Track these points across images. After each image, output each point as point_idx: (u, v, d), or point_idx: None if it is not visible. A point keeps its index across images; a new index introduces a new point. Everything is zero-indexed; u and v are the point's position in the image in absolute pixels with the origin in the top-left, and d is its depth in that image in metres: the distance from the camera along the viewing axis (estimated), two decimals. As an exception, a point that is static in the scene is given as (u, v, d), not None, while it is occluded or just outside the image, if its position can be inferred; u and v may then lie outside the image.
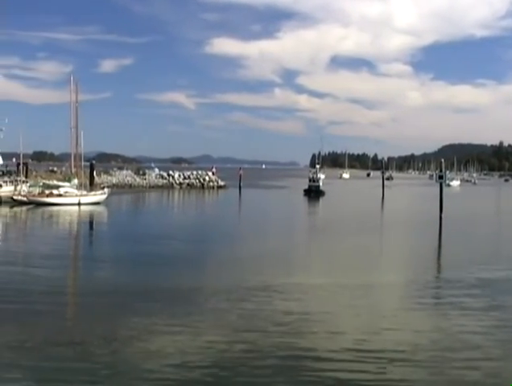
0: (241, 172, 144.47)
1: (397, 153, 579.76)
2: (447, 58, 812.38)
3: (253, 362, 19.57)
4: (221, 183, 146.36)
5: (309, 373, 18.66)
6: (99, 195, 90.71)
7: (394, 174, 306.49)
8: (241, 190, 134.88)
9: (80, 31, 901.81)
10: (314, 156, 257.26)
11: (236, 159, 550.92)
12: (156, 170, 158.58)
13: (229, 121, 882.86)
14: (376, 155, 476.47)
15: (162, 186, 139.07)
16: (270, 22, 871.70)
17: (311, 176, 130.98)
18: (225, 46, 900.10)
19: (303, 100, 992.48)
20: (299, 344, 21.51)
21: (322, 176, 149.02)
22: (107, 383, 17.75)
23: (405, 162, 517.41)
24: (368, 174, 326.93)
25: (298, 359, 19.95)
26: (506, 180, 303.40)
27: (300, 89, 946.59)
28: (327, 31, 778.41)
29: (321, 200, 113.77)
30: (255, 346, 21.20)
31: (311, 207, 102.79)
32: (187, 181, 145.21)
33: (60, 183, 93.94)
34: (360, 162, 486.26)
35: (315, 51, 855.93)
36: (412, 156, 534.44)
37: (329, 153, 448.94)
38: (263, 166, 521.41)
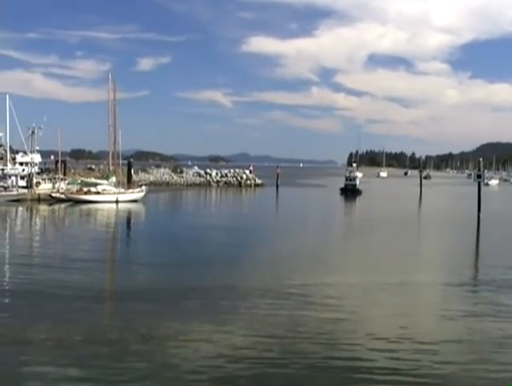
0: (278, 170, 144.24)
1: (435, 151, 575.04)
2: (485, 56, 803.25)
3: (288, 361, 19.54)
4: (259, 182, 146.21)
5: (345, 374, 18.61)
6: (137, 193, 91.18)
7: (432, 172, 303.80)
8: (279, 188, 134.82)
9: (118, 30, 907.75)
10: (351, 154, 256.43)
11: (273, 158, 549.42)
12: (195, 167, 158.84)
13: (267, 120, 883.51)
14: (414, 154, 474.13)
15: (199, 185, 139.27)
16: (308, 20, 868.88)
17: (347, 175, 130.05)
18: (262, 44, 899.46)
19: (340, 99, 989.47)
20: (335, 345, 21.48)
21: (359, 175, 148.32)
22: (144, 381, 17.87)
23: (443, 161, 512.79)
24: (405, 173, 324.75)
25: (333, 359, 19.89)
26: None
27: (338, 88, 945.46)
28: (364, 29, 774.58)
29: (358, 199, 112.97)
30: (291, 345, 21.16)
31: (347, 206, 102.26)
32: (224, 179, 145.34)
33: (98, 181, 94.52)
34: (397, 160, 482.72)
35: (353, 49, 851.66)
36: (450, 155, 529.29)
37: (367, 152, 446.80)
38: (301, 165, 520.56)
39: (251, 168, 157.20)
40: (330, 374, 18.58)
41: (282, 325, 23.72)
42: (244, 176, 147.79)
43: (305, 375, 18.47)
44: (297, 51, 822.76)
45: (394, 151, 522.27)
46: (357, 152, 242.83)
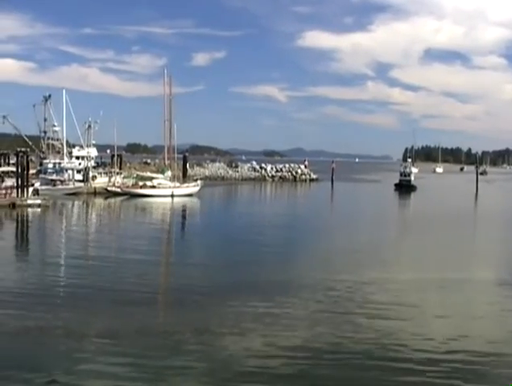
0: (333, 165, 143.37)
1: (491, 147, 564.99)
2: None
3: (341, 361, 19.36)
4: (314, 176, 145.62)
5: (399, 375, 18.38)
6: (192, 187, 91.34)
7: (488, 168, 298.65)
8: (334, 183, 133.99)
9: (173, 25, 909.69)
10: (407, 150, 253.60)
11: (328, 152, 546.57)
12: (254, 162, 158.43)
13: (322, 114, 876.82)
14: (470, 149, 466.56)
15: (254, 179, 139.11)
16: (363, 14, 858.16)
17: (402, 170, 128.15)
18: (317, 39, 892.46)
19: (396, 94, 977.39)
20: (388, 341, 21.28)
21: (415, 170, 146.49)
22: (198, 374, 17.87)
23: (499, 157, 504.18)
24: (461, 169, 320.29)
25: (386, 356, 19.75)
26: None
27: (393, 82, 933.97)
28: (421, 24, 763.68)
29: (412, 195, 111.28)
30: (344, 344, 20.94)
31: (401, 202, 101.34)
32: (279, 174, 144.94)
33: (154, 175, 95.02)
34: (453, 156, 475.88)
35: (409, 43, 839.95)
36: (507, 150, 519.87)
37: (422, 147, 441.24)
38: (356, 160, 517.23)
39: (306, 163, 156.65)
40: (382, 374, 18.34)
41: (335, 323, 23.50)
42: (299, 171, 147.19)
43: (356, 376, 18.30)
44: (352, 46, 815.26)
45: (449, 147, 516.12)
46: (412, 147, 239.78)
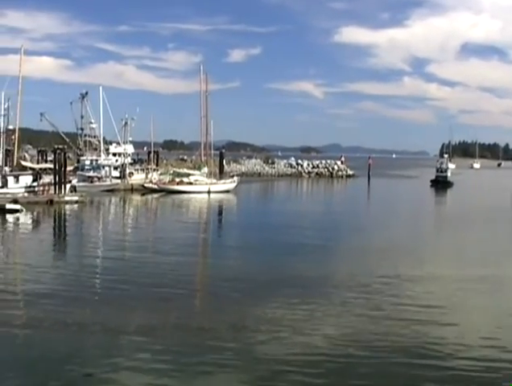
0: (370, 161, 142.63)
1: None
2: None
3: (379, 358, 19.19)
4: (350, 172, 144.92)
5: (436, 372, 18.19)
6: (228, 184, 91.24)
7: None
8: (370, 179, 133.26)
9: (209, 22, 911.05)
10: (443, 145, 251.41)
11: (365, 148, 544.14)
12: (293, 158, 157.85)
13: (358, 110, 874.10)
14: (507, 145, 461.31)
15: (290, 175, 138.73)
16: (399, 10, 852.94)
17: (438, 166, 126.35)
18: (353, 34, 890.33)
19: (432, 89, 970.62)
20: (425, 337, 21.13)
21: (451, 166, 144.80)
22: (235, 369, 17.88)
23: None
24: (499, 165, 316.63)
25: (423, 353, 19.57)
26: None
27: (430, 78, 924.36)
28: (457, 19, 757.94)
29: (449, 191, 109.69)
30: (382, 340, 20.79)
31: (437, 198, 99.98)
32: (315, 170, 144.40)
33: (190, 172, 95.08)
34: (491, 151, 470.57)
35: (446, 38, 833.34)
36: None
37: (459, 143, 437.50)
38: (393, 156, 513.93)
39: (343, 159, 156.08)
40: (416, 367, 18.26)
41: (373, 319, 23.32)
42: (335, 167, 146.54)
43: (390, 365, 18.32)
44: (389, 41, 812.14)
45: (487, 142, 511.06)
46: (449, 143, 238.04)
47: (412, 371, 17.89)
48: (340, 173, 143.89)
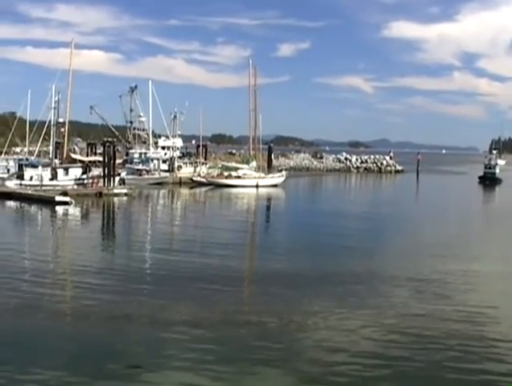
0: (419, 157, 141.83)
1: None
2: None
3: (423, 357, 18.79)
4: (399, 168, 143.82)
5: (480, 370, 17.84)
6: (277, 178, 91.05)
7: None
8: (419, 175, 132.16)
9: (258, 16, 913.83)
10: (493, 141, 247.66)
11: (414, 144, 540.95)
12: (344, 153, 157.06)
13: (408, 105, 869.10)
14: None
15: (339, 170, 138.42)
16: (449, 4, 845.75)
17: (486, 162, 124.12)
18: (403, 29, 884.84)
19: (483, 84, 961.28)
20: (472, 334, 20.80)
21: (501, 162, 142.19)
22: (281, 363, 17.73)
23: None
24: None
25: (469, 350, 19.22)
26: None
27: (480, 73, 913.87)
28: (509, 13, 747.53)
29: (497, 188, 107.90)
30: (427, 339, 20.43)
31: (485, 195, 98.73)
32: (364, 165, 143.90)
33: (239, 166, 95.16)
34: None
35: (496, 33, 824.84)
36: None
37: (510, 139, 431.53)
38: (443, 151, 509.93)
39: (391, 154, 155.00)
40: (463, 364, 17.99)
41: (417, 316, 22.99)
42: (384, 162, 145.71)
43: (437, 362, 18.00)
44: (438, 36, 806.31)
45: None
46: (499, 139, 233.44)
47: (458, 375, 17.41)
48: (388, 168, 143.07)
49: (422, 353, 18.71)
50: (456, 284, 28.31)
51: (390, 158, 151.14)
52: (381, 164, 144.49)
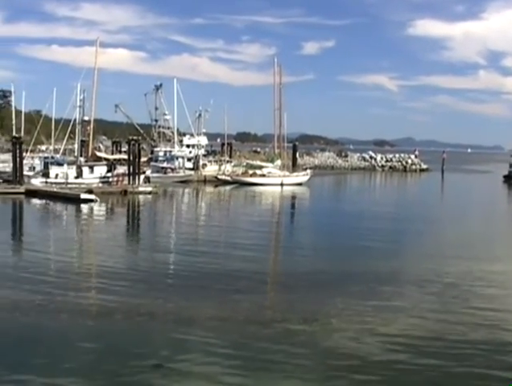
0: (444, 155, 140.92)
1: None
2: None
3: (451, 350, 18.88)
4: (424, 166, 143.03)
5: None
6: (301, 176, 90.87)
7: None
8: (444, 173, 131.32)
9: (283, 14, 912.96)
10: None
11: (439, 142, 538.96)
12: (370, 152, 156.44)
13: (433, 104, 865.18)
14: None
15: (364, 169, 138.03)
16: (475, 2, 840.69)
17: (511, 161, 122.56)
18: (428, 27, 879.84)
19: (509, 83, 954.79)
20: (499, 340, 20.43)
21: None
22: (305, 362, 17.66)
23: None
24: None
25: (494, 357, 18.81)
26: None
27: (506, 71, 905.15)
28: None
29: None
30: (454, 332, 20.49)
31: (510, 195, 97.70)
32: (389, 163, 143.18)
33: (264, 164, 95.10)
34: None
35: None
36: None
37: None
38: (468, 150, 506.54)
39: (416, 153, 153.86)
40: (490, 379, 17.37)
41: (442, 315, 22.84)
42: (409, 161, 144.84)
43: (464, 364, 17.85)
44: (464, 34, 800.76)
45: None
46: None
47: (483, 381, 17.10)
48: (413, 167, 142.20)
49: (445, 356, 18.47)
50: (480, 286, 27.94)
51: (416, 156, 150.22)
52: (407, 163, 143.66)
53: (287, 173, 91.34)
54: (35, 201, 59.09)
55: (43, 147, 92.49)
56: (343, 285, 27.26)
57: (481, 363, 17.94)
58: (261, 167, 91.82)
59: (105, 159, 76.73)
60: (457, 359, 18.15)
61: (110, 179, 69.40)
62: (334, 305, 23.57)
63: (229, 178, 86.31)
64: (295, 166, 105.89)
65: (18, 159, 65.85)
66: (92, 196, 58.44)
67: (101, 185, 67.59)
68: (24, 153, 69.33)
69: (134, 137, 74.13)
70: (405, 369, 17.44)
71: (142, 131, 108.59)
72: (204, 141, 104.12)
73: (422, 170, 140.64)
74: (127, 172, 69.65)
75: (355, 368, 17.32)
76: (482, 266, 32.21)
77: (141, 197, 65.07)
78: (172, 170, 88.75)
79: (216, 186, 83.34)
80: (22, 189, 62.62)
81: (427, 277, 28.84)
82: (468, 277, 29.22)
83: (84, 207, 55.36)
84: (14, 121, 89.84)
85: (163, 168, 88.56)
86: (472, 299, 25.28)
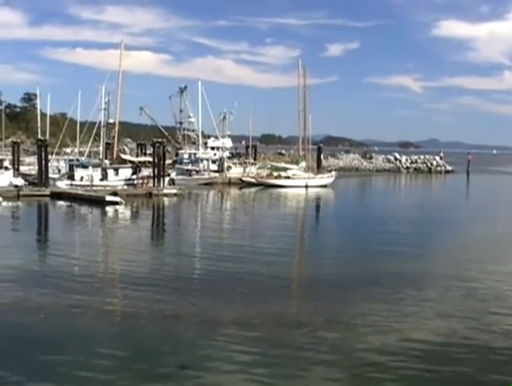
0: (469, 157, 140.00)
1: None
2: None
3: (478, 353, 18.75)
4: (449, 168, 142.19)
5: None
6: (326, 178, 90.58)
7: None
8: (469, 175, 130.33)
9: (306, 16, 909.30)
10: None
11: (464, 144, 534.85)
12: (396, 154, 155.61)
13: (458, 105, 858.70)
14: None
15: (388, 170, 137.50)
16: (500, 3, 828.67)
17: None
18: (452, 28, 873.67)
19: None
20: None
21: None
22: (329, 365, 17.62)
23: None
24: None
25: None
26: None
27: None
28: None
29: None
30: (482, 335, 20.30)
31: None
32: (414, 165, 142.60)
33: (288, 166, 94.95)
34: None
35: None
36: None
37: None
38: (494, 152, 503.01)
39: (441, 154, 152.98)
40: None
41: (469, 318, 22.67)
42: (434, 162, 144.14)
43: (488, 365, 17.73)
44: (489, 35, 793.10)
45: None
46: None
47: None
48: (438, 168, 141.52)
49: (472, 363, 18.24)
50: (508, 290, 27.60)
51: (440, 158, 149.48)
52: (431, 164, 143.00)
53: (312, 175, 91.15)
54: (60, 203, 59.43)
55: (68, 150, 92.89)
56: (368, 287, 27.11)
57: (509, 371, 17.66)
58: (285, 169, 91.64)
59: (130, 162, 77.08)
60: (485, 367, 17.86)
61: (135, 182, 69.66)
62: (359, 308, 23.47)
63: (253, 181, 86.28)
64: (319, 168, 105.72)
65: (43, 162, 66.26)
66: (117, 198, 58.59)
67: (125, 187, 67.93)
68: (49, 156, 69.67)
69: (159, 140, 74.19)
70: (430, 370, 17.32)
71: (166, 133, 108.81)
72: (228, 143, 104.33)
73: (447, 172, 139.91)
74: (152, 174, 69.81)
75: (380, 372, 17.20)
76: (510, 268, 32.04)
77: (165, 199, 65.18)
78: (197, 172, 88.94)
79: (240, 188, 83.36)
80: (47, 191, 62.98)
81: (453, 281, 28.56)
82: (494, 281, 28.92)
83: (109, 210, 55.60)
84: (39, 124, 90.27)
85: (187, 170, 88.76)
86: (499, 303, 25.05)
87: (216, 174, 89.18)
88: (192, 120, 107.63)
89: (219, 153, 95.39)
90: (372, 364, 17.68)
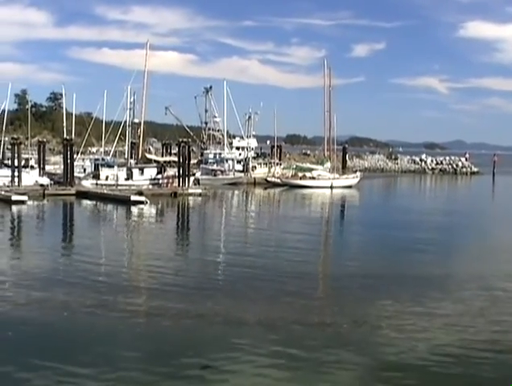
0: (495, 158, 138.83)
1: None
2: None
3: (504, 356, 18.60)
4: (475, 169, 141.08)
5: None
6: (351, 179, 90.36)
7: None
8: (495, 176, 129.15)
9: (332, 17, 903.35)
10: None
11: (490, 145, 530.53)
12: (424, 155, 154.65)
13: (484, 106, 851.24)
14: None
15: (413, 171, 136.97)
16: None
17: None
18: (479, 29, 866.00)
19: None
20: None
21: None
22: (354, 365, 17.59)
23: None
24: None
25: None
26: None
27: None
28: None
29: None
30: (502, 346, 19.75)
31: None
32: (439, 166, 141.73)
33: (313, 166, 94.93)
34: None
35: None
36: None
37: None
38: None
39: (467, 156, 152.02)
40: None
41: (495, 320, 22.38)
42: (460, 164, 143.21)
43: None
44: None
45: None
46: None
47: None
48: (464, 170, 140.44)
49: (497, 363, 18.15)
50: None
51: (466, 159, 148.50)
52: (457, 166, 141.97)
53: (337, 175, 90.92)
54: (86, 202, 59.69)
55: (94, 149, 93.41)
56: (393, 287, 27.07)
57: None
58: (310, 170, 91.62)
59: (155, 161, 77.31)
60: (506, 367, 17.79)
61: (160, 181, 69.84)
62: (384, 308, 23.42)
63: (278, 181, 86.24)
64: (344, 169, 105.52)
65: (68, 161, 66.56)
66: (142, 198, 58.68)
67: (151, 187, 68.08)
68: (75, 155, 70.03)
69: (184, 140, 74.27)
70: (455, 371, 17.27)
71: (191, 133, 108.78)
72: (253, 143, 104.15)
73: (472, 173, 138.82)
74: (177, 174, 69.90)
75: (404, 373, 17.12)
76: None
77: (190, 199, 65.28)
78: (222, 172, 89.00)
79: (265, 188, 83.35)
80: (72, 190, 63.25)
81: (480, 283, 28.35)
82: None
83: (134, 209, 55.73)
84: (64, 124, 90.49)
85: (212, 170, 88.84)
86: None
87: (241, 174, 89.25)
88: (218, 120, 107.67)
89: (244, 154, 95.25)
90: (397, 366, 17.57)
